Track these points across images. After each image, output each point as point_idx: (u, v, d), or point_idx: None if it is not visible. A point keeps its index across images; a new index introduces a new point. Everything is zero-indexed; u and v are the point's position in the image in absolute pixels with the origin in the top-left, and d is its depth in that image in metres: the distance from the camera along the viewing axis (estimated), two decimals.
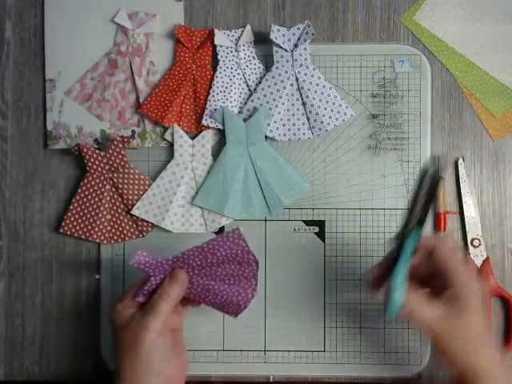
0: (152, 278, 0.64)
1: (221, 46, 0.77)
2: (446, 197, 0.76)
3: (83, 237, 0.77)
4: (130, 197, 0.77)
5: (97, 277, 0.78)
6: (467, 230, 0.76)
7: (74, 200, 0.77)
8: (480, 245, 0.76)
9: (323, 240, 0.77)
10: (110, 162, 0.76)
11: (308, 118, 0.77)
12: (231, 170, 0.76)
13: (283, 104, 0.77)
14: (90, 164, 0.76)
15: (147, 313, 0.62)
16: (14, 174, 0.79)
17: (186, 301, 0.67)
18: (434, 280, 0.62)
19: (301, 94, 0.76)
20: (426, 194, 0.60)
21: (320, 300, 0.77)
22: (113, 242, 0.77)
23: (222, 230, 0.77)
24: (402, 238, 0.59)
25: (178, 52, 0.77)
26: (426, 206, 0.61)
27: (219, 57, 0.77)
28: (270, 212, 0.76)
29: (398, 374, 0.76)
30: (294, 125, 0.77)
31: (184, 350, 0.67)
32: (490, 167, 0.77)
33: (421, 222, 0.60)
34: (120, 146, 0.76)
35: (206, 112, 0.76)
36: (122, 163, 0.76)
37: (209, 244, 0.62)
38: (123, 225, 0.77)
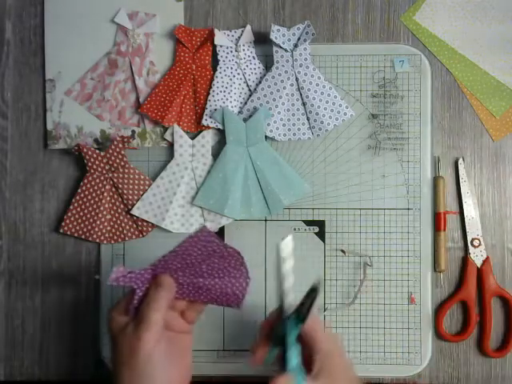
0: (138, 291, 0.62)
1: (221, 46, 0.77)
2: (445, 197, 0.77)
3: (83, 237, 0.77)
4: (130, 197, 0.77)
5: (97, 277, 0.78)
6: (467, 230, 0.76)
7: (73, 200, 0.77)
8: (480, 245, 0.76)
9: (323, 240, 0.77)
10: (110, 162, 0.76)
11: (308, 118, 0.77)
12: (231, 170, 0.76)
13: (283, 104, 0.77)
14: (90, 164, 0.76)
15: (139, 324, 0.60)
16: (14, 173, 0.79)
17: (190, 304, 0.65)
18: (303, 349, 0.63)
19: (301, 94, 0.76)
20: (310, 296, 0.61)
21: (320, 300, 0.76)
22: (113, 241, 0.77)
23: (222, 229, 0.77)
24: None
25: (178, 52, 0.77)
26: (309, 303, 0.61)
27: (219, 57, 0.77)
28: (270, 212, 0.76)
29: (398, 374, 0.76)
30: (294, 125, 0.77)
31: (188, 353, 0.65)
32: (490, 167, 0.77)
33: (302, 318, 0.61)
34: (120, 146, 0.76)
35: (206, 112, 0.76)
36: (122, 163, 0.76)
37: (181, 246, 0.61)
38: (123, 225, 0.77)
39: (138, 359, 0.59)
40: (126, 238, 0.77)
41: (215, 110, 0.76)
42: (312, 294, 0.60)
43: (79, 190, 0.77)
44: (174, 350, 0.62)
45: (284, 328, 0.60)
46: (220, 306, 0.65)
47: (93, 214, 0.77)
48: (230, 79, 0.77)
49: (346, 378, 0.61)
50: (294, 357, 0.59)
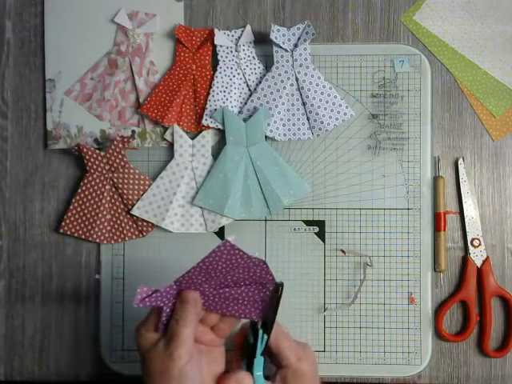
0: (165, 308, 0.60)
1: (221, 46, 0.77)
2: (445, 197, 0.77)
3: (83, 237, 0.77)
4: (130, 197, 0.77)
5: (97, 277, 0.78)
6: (467, 230, 0.76)
7: (73, 200, 0.77)
8: (480, 245, 0.76)
9: (323, 240, 0.77)
10: (110, 162, 0.76)
11: (308, 118, 0.77)
12: (231, 170, 0.76)
13: (283, 104, 0.77)
14: (89, 164, 0.76)
15: (169, 341, 0.59)
16: (13, 173, 0.79)
17: (221, 319, 0.63)
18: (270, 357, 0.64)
19: (301, 94, 0.76)
20: (274, 303, 0.62)
21: (320, 300, 0.77)
22: (113, 241, 0.77)
23: (222, 229, 0.77)
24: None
25: (178, 52, 0.77)
26: (272, 314, 0.62)
27: (219, 57, 0.77)
28: (270, 212, 0.76)
29: (398, 374, 0.76)
30: (294, 125, 0.77)
31: (220, 364, 0.63)
32: (490, 167, 0.77)
33: (267, 331, 0.62)
34: (120, 146, 0.76)
35: (206, 112, 0.76)
36: (122, 163, 0.76)
37: (205, 262, 0.58)
38: (123, 225, 0.77)
39: (171, 376, 0.58)
40: (126, 238, 0.77)
41: (215, 109, 0.76)
42: (276, 293, 0.60)
43: (79, 190, 0.77)
44: (205, 362, 0.61)
45: (253, 338, 0.61)
46: (246, 318, 0.63)
47: (93, 213, 0.77)
48: (230, 79, 0.77)
49: None
50: (258, 368, 0.60)
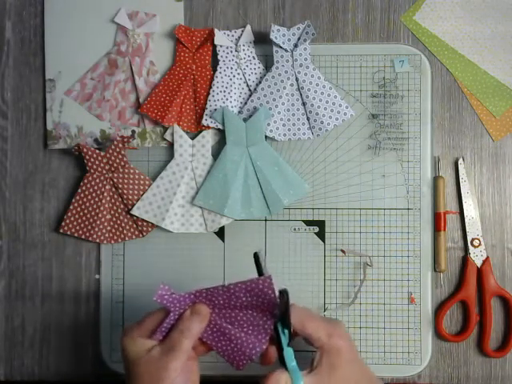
0: (171, 314, 0.59)
1: (221, 46, 0.77)
2: (445, 197, 0.77)
3: (83, 237, 0.77)
4: (130, 197, 0.77)
5: (97, 277, 0.78)
6: (467, 230, 0.76)
7: (74, 200, 0.77)
8: (480, 245, 0.76)
9: (323, 240, 0.77)
10: (110, 162, 0.76)
11: (308, 118, 0.77)
12: (231, 170, 0.76)
13: (283, 104, 0.77)
14: (89, 164, 0.76)
15: (168, 352, 0.57)
16: (13, 173, 0.79)
17: (201, 345, 0.62)
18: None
19: (301, 94, 0.77)
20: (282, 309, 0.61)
21: (320, 300, 0.77)
22: (113, 241, 0.77)
23: (222, 229, 0.77)
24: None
25: (178, 52, 0.78)
26: (284, 309, 0.61)
27: (219, 57, 0.77)
28: (270, 212, 0.76)
29: (398, 374, 0.76)
30: (294, 125, 0.77)
31: (196, 377, 0.62)
32: (490, 167, 0.77)
33: (286, 326, 0.61)
34: (120, 145, 0.76)
35: (206, 112, 0.76)
36: (122, 163, 0.76)
37: (236, 286, 0.58)
38: (123, 225, 0.77)
39: None
40: (126, 238, 0.77)
41: (215, 109, 0.76)
42: (283, 299, 0.59)
43: (79, 190, 0.77)
44: (185, 374, 0.60)
45: (276, 332, 0.61)
46: (224, 357, 0.62)
47: (93, 213, 0.77)
48: (230, 79, 0.77)
49: (348, 373, 0.59)
50: (290, 359, 0.59)
